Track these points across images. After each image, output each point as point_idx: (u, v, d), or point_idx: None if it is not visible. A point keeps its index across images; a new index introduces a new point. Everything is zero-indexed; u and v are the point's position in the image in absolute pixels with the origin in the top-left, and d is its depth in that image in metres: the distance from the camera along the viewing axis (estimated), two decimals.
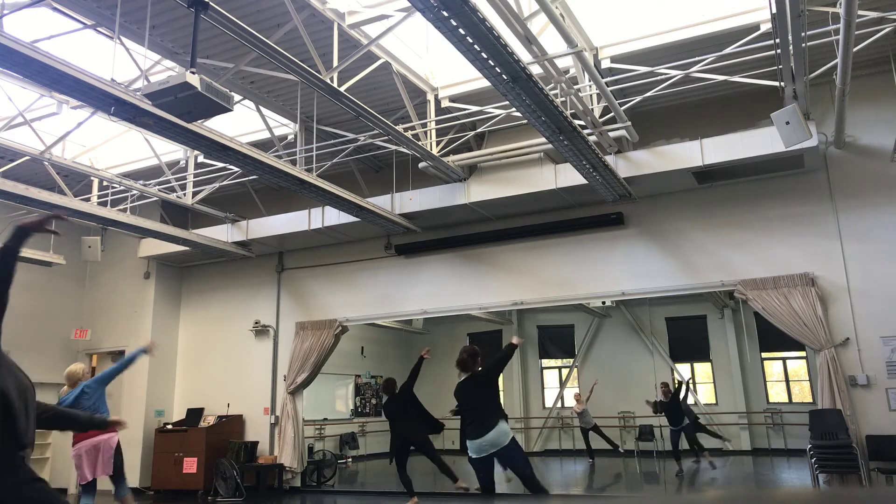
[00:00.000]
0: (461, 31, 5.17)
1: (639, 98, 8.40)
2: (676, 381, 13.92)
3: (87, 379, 6.74)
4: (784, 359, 16.07)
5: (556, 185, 9.08)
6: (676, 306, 16.30)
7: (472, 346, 6.17)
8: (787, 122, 6.72)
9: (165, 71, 7.84)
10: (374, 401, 17.63)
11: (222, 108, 5.55)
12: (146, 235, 11.02)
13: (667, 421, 11.74)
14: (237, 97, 8.31)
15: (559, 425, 17.13)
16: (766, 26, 7.13)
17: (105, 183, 10.21)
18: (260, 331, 11.96)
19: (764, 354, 16.05)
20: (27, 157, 8.93)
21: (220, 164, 9.96)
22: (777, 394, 16.00)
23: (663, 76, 7.91)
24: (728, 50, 7.42)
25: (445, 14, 4.95)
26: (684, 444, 11.87)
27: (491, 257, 10.33)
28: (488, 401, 5.73)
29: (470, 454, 5.72)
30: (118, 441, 6.72)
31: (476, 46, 5.38)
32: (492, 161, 9.46)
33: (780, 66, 6.49)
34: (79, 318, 12.81)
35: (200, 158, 10.23)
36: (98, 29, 7.05)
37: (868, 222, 8.22)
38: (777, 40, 6.09)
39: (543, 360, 18.32)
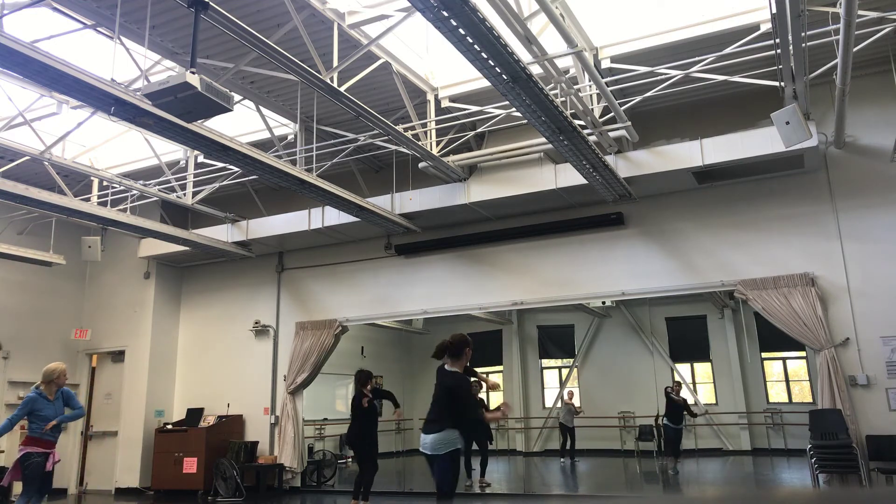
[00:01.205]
0: (461, 31, 5.17)
1: (639, 98, 8.40)
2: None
3: (63, 381, 6.64)
4: (784, 359, 16.06)
5: (556, 185, 9.08)
6: (676, 306, 16.27)
7: (459, 335, 5.28)
8: (787, 122, 6.71)
9: (165, 71, 7.83)
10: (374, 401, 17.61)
11: (222, 108, 5.55)
12: (146, 235, 11.02)
13: (670, 419, 11.66)
14: (237, 97, 8.31)
15: (559, 425, 17.10)
16: (766, 26, 7.13)
17: (105, 183, 10.21)
18: (260, 331, 11.96)
19: (764, 354, 16.03)
20: (27, 157, 8.92)
21: (220, 164, 9.95)
22: (777, 394, 15.99)
23: (663, 76, 7.91)
24: (728, 50, 7.41)
25: (445, 14, 4.95)
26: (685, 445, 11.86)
27: (491, 257, 10.33)
28: (447, 405, 5.11)
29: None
30: (26, 453, 6.37)
31: (476, 46, 5.37)
32: (492, 161, 9.46)
33: (780, 66, 6.49)
34: (79, 318, 12.81)
35: (200, 158, 10.22)
36: (98, 29, 7.04)
37: (868, 222, 8.22)
38: (777, 40, 6.09)
39: (543, 360, 18.31)
